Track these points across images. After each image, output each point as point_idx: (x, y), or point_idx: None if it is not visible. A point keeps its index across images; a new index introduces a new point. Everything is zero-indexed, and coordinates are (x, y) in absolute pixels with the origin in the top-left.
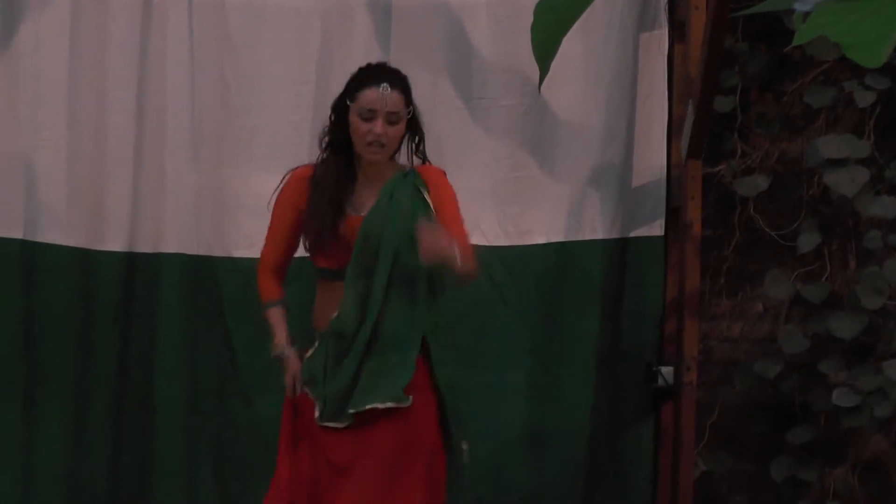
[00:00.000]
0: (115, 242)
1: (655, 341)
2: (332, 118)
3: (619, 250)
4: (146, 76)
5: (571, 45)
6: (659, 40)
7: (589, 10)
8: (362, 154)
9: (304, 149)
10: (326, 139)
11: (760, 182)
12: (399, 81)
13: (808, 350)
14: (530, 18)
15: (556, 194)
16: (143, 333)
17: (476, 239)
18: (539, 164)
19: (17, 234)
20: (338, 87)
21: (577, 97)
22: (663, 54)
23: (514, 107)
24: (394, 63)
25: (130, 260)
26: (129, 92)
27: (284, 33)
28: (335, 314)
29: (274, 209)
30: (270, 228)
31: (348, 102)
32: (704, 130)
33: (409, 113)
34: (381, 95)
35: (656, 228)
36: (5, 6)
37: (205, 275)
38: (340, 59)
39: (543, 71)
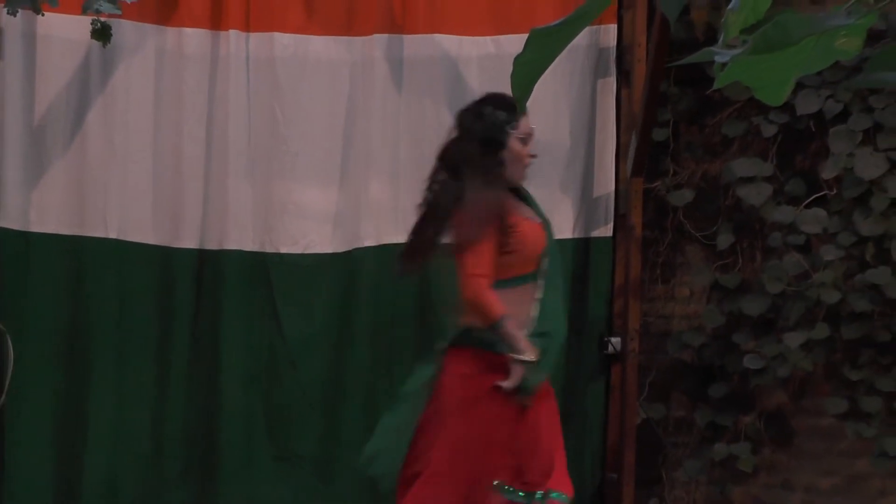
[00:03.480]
0: (189, 241)
1: (606, 318)
2: (483, 149)
3: (583, 247)
4: (213, 114)
5: (543, 88)
6: (610, 85)
7: (557, 61)
8: (520, 176)
9: (336, 168)
10: (484, 167)
11: (687, 195)
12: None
13: (724, 325)
14: (510, 68)
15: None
16: (211, 312)
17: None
18: None
19: (113, 235)
20: (363, 121)
21: (547, 128)
22: (613, 95)
23: None
24: (404, 100)
25: (201, 255)
26: (201, 126)
27: (321, 79)
28: (532, 314)
29: (479, 236)
30: (483, 251)
31: (509, 130)
32: (644, 155)
33: None
34: (528, 121)
35: (608, 230)
36: (105, 54)
37: (258, 266)
38: (364, 98)
39: (521, 108)
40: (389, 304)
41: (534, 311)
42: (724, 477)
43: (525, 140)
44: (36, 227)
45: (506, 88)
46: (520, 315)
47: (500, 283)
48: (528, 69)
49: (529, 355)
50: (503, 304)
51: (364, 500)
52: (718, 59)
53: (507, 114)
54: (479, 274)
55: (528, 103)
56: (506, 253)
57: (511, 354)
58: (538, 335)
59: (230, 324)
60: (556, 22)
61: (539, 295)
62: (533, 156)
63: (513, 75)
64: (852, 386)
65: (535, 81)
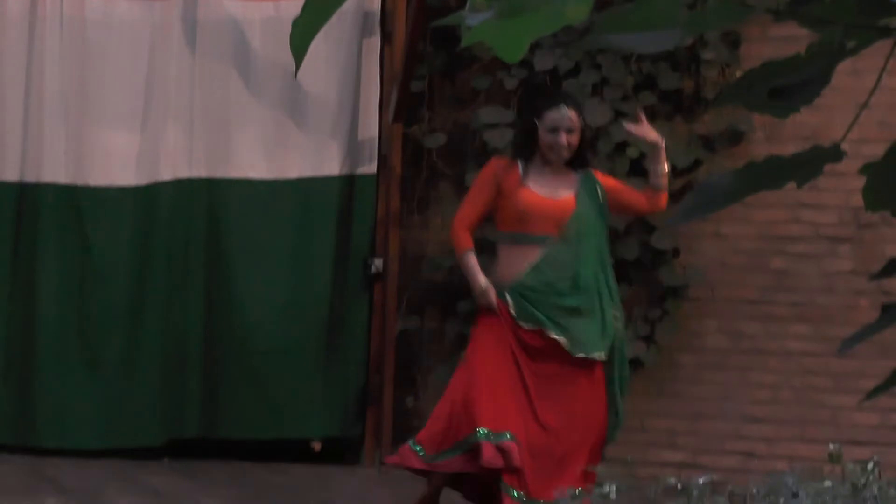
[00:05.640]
0: (10, 175)
1: (370, 244)
2: (518, 131)
3: (349, 183)
4: (31, 67)
5: (316, 46)
6: (374, 44)
7: (328, 24)
8: (549, 159)
9: (138, 114)
10: (514, 145)
11: (441, 138)
12: (571, 101)
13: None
14: (289, 30)
15: (305, 145)
16: (29, 237)
17: (251, 175)
18: (295, 125)
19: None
20: (162, 74)
21: (319, 81)
22: (377, 53)
23: (279, 86)
24: (198, 58)
25: (21, 188)
26: (20, 76)
27: (125, 38)
28: (525, 270)
29: (480, 181)
30: (473, 194)
31: (536, 121)
32: (404, 105)
33: (581, 125)
34: (561, 115)
35: (372, 169)
36: None
37: (71, 197)
38: (162, 55)
39: (298, 63)
40: (183, 230)
41: (525, 269)
42: None
43: (551, 129)
44: None
45: (286, 48)
46: (507, 266)
47: (499, 233)
48: (304, 31)
49: (476, 288)
50: (502, 254)
51: (156, 395)
52: (468, 22)
53: (541, 106)
54: (459, 217)
55: (304, 61)
56: (496, 209)
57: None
58: (519, 290)
59: (45, 247)
60: None
61: (535, 260)
62: (561, 144)
63: (291, 36)
64: None
65: (310, 41)
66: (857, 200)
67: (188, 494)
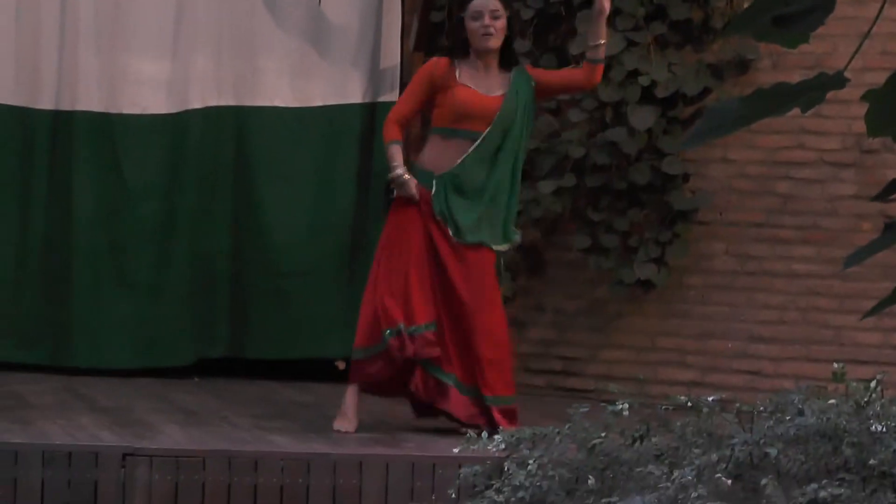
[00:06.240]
0: (46, 103)
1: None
2: (450, 26)
3: (371, 110)
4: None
5: None
6: None
7: None
8: (478, 45)
9: (168, 43)
10: (449, 39)
11: None
12: None
13: None
14: None
15: (329, 73)
16: (64, 163)
17: (277, 103)
18: (319, 54)
19: None
20: (191, 4)
21: (342, 11)
22: None
23: (303, 16)
24: None
25: (56, 115)
26: (55, 6)
27: None
28: (455, 164)
29: (416, 80)
30: (408, 92)
31: (461, 14)
32: (424, 33)
33: (507, 14)
34: (484, 1)
35: (394, 96)
36: None
37: (104, 124)
38: None
39: None
40: (212, 156)
41: (456, 161)
42: None
43: (475, 16)
44: None
45: None
46: (439, 160)
47: (433, 128)
48: None
49: (396, 176)
50: (431, 146)
51: (186, 316)
52: None
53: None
54: (393, 111)
55: None
56: (434, 106)
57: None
58: (447, 179)
59: (80, 172)
60: None
61: (467, 152)
62: (486, 26)
63: None
64: (594, 225)
65: None
66: (860, 127)
67: (217, 412)
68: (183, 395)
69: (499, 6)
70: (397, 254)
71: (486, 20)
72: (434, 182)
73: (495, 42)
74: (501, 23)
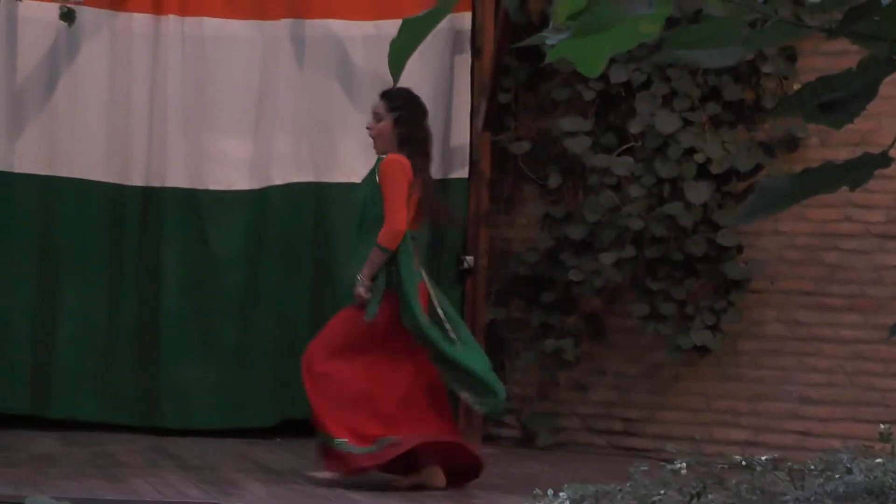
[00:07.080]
0: (137, 180)
1: (462, 242)
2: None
3: (443, 186)
4: (155, 80)
5: (412, 62)
6: (465, 60)
7: (423, 42)
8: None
9: (251, 124)
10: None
11: (525, 145)
12: (384, 94)
13: (553, 246)
14: (388, 46)
15: None
16: (153, 236)
17: (354, 179)
18: None
19: (77, 175)
20: (272, 88)
21: (416, 92)
22: (468, 68)
23: (377, 98)
24: (304, 72)
25: (146, 191)
26: (145, 90)
27: (239, 54)
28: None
29: (403, 185)
30: (402, 197)
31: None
32: (492, 114)
33: (393, 116)
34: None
35: (464, 173)
36: (71, 33)
37: (191, 200)
38: (272, 69)
39: (396, 79)
40: (292, 228)
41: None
42: (552, 364)
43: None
44: (18, 169)
45: (384, 63)
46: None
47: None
48: (400, 49)
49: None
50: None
51: (269, 379)
52: (548, 41)
53: None
54: (404, 217)
55: (401, 76)
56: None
57: None
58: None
59: (168, 244)
60: (423, 13)
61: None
62: (368, 128)
63: (389, 54)
64: (652, 294)
65: (406, 59)
66: None
67: (297, 471)
68: (266, 454)
69: (379, 109)
70: (367, 364)
71: (367, 122)
72: (427, 279)
73: (373, 140)
74: (382, 125)
